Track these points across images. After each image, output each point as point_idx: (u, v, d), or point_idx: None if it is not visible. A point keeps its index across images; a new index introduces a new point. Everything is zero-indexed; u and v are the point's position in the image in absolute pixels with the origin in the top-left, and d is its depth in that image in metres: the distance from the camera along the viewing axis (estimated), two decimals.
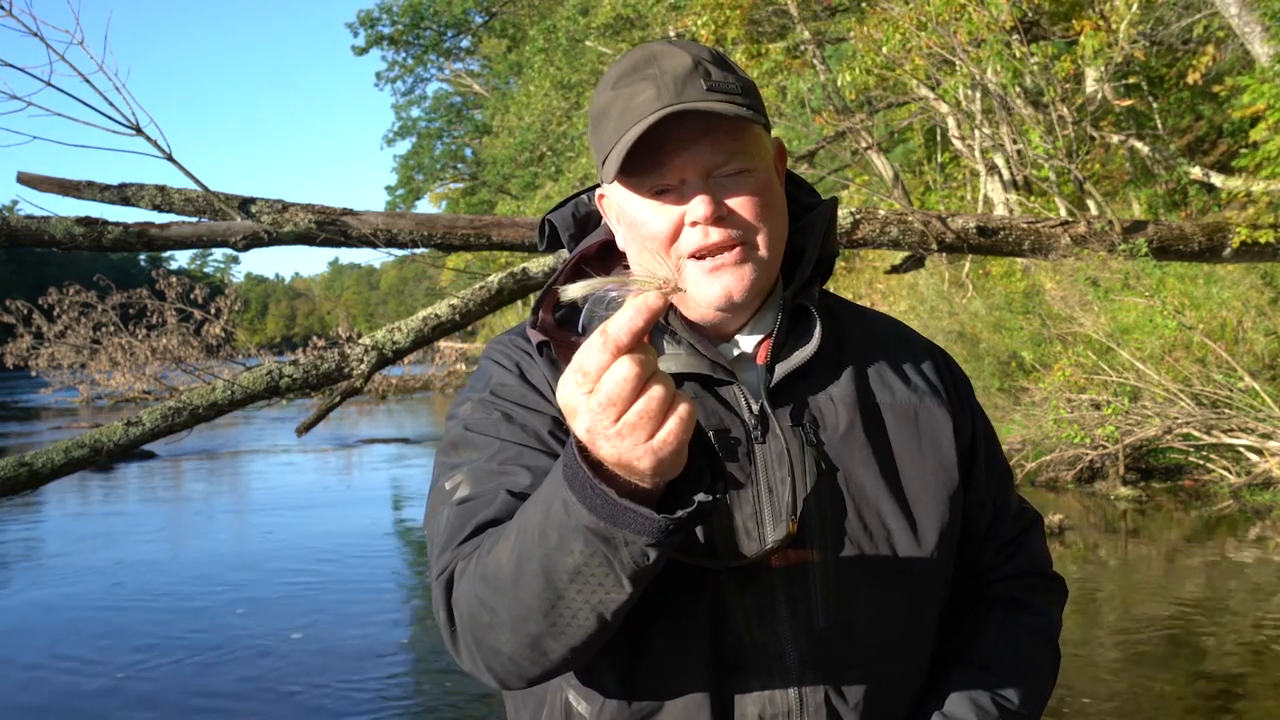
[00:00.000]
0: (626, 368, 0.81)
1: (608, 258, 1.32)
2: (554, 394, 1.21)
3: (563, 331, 1.25)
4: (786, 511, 1.16)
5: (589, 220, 1.35)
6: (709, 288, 1.16)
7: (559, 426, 1.20)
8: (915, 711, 1.22)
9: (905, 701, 1.20)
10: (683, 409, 0.84)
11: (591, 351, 0.83)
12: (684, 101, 1.12)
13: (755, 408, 1.20)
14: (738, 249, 1.16)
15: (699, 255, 1.17)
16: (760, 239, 1.17)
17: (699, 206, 1.14)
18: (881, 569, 1.19)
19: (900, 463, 1.23)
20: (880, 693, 1.17)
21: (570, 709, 1.19)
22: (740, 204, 1.16)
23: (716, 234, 1.15)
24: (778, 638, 1.15)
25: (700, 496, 0.92)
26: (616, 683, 1.15)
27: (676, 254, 1.17)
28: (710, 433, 1.17)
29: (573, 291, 0.88)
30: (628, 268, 1.29)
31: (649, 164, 1.15)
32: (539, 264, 6.33)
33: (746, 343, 1.24)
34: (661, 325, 1.24)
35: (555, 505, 0.94)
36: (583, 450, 0.90)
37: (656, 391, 0.83)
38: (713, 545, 1.15)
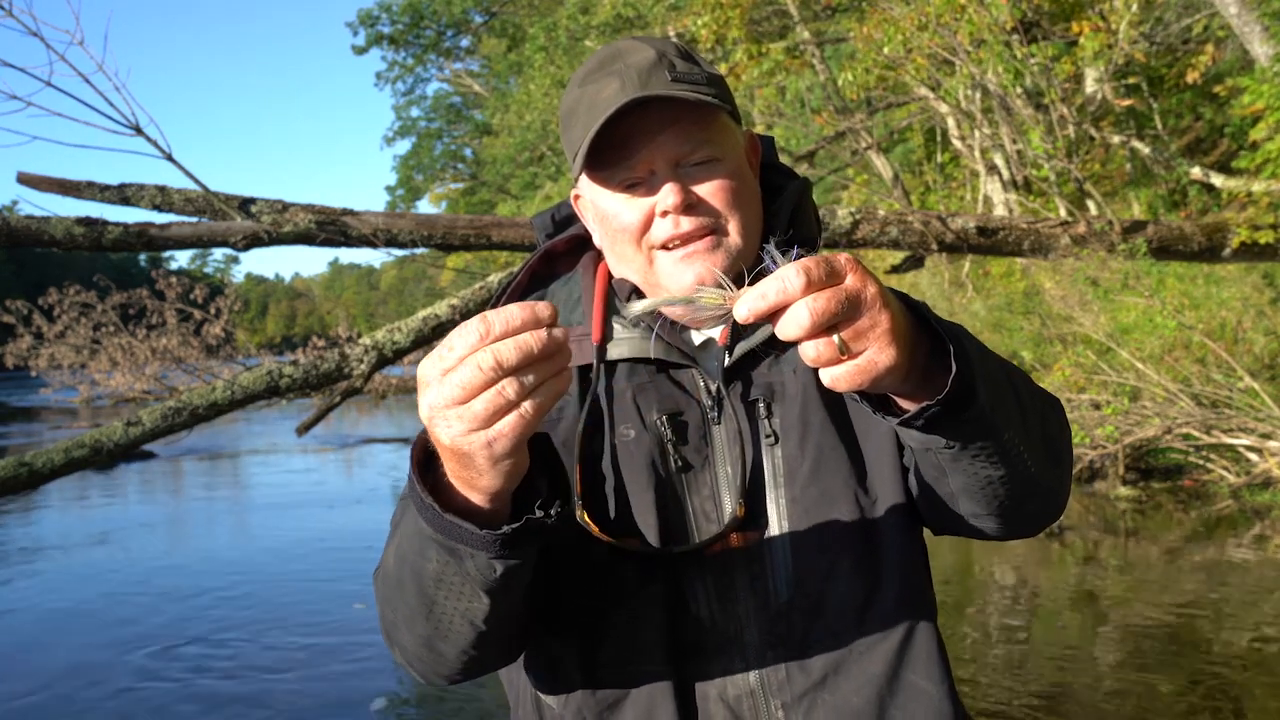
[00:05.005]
0: (488, 358, 0.81)
1: (577, 252, 1.34)
2: None
3: None
4: (739, 492, 1.16)
5: (568, 222, 1.36)
6: (681, 276, 1.16)
7: None
8: (889, 680, 1.17)
9: (878, 668, 1.17)
10: (527, 406, 0.83)
11: (463, 334, 0.83)
12: (648, 91, 1.12)
13: (713, 389, 1.21)
14: (709, 237, 1.16)
15: (669, 245, 1.17)
16: (732, 226, 1.17)
17: (668, 195, 1.14)
18: (842, 535, 1.18)
19: (858, 425, 1.22)
20: (849, 663, 1.16)
21: (540, 703, 1.21)
22: (710, 192, 1.16)
23: (687, 223, 1.15)
24: (737, 618, 1.16)
25: (537, 512, 0.93)
26: (579, 673, 1.17)
27: (648, 245, 1.17)
28: (662, 417, 1.19)
29: (636, 309, 0.90)
30: (599, 260, 1.30)
31: (617, 157, 1.15)
32: None
33: (714, 328, 1.24)
34: (615, 308, 1.25)
35: (416, 515, 0.96)
36: (420, 459, 0.93)
37: (509, 388, 0.82)
38: (666, 532, 1.16)
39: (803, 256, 0.85)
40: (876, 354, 0.86)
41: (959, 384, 0.93)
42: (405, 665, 1.13)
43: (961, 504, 1.13)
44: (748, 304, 0.84)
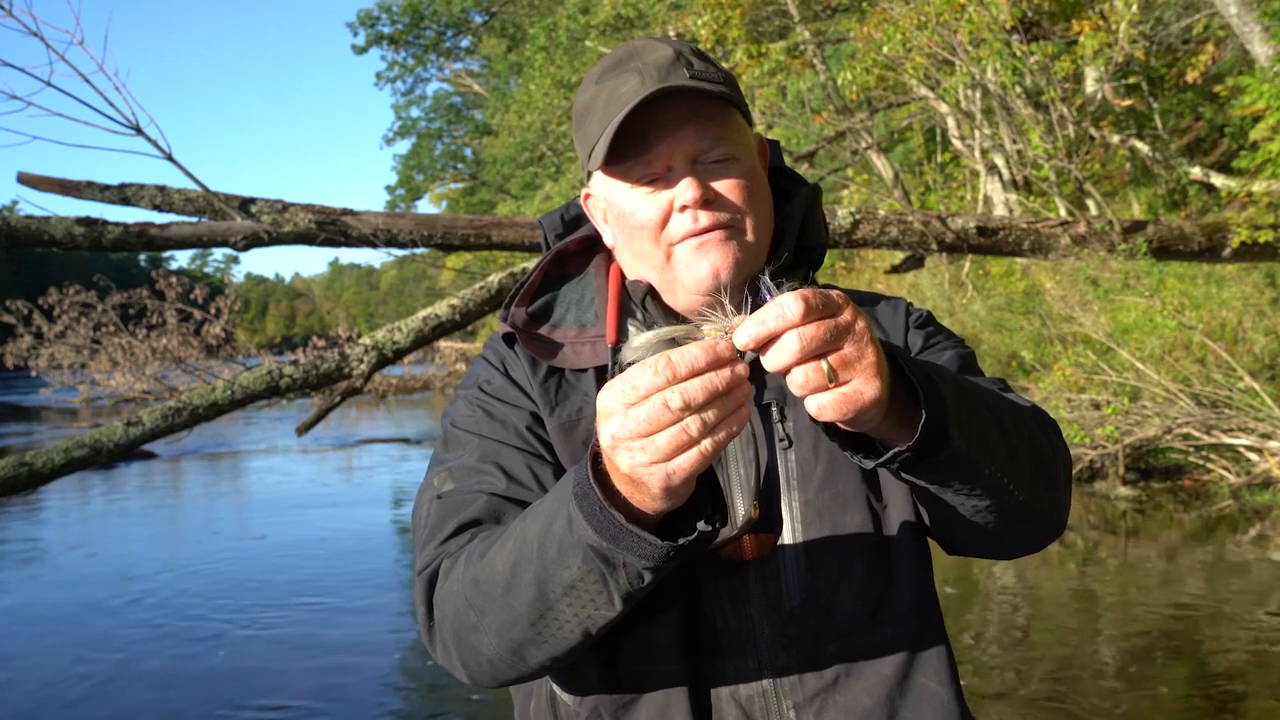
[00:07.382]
0: (676, 398, 0.85)
1: (589, 253, 1.34)
2: (533, 389, 1.24)
3: (533, 325, 1.28)
4: (753, 494, 1.17)
5: (577, 222, 1.37)
6: (697, 266, 1.17)
7: (536, 422, 1.23)
8: (899, 681, 1.19)
9: (888, 669, 1.18)
10: (706, 444, 0.87)
11: (646, 372, 0.86)
12: (668, 84, 1.13)
13: None
14: (724, 230, 1.17)
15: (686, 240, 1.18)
16: (747, 223, 1.18)
17: (686, 190, 1.15)
18: (855, 538, 1.19)
19: None
20: (860, 665, 1.18)
21: (555, 699, 1.22)
22: (727, 189, 1.17)
23: (705, 218, 1.16)
24: (750, 620, 1.17)
25: (701, 525, 0.95)
26: (597, 671, 1.18)
27: (666, 241, 1.18)
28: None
29: (636, 344, 0.91)
30: (610, 261, 1.30)
31: (635, 152, 1.16)
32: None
33: None
34: (629, 309, 1.26)
35: (559, 520, 0.97)
36: (596, 468, 0.93)
37: (693, 426, 0.86)
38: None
39: (795, 289, 0.88)
40: (862, 385, 0.89)
41: (930, 428, 0.96)
42: (458, 665, 1.12)
43: (955, 528, 1.16)
44: (748, 330, 0.87)
